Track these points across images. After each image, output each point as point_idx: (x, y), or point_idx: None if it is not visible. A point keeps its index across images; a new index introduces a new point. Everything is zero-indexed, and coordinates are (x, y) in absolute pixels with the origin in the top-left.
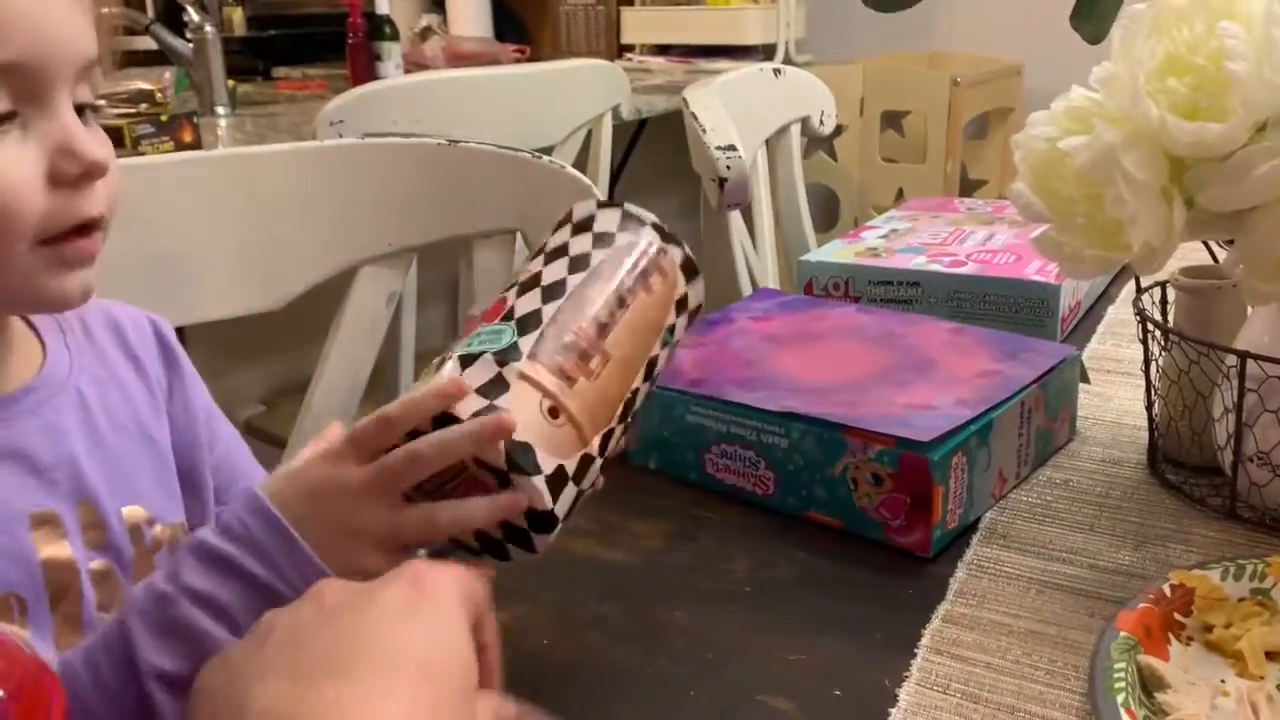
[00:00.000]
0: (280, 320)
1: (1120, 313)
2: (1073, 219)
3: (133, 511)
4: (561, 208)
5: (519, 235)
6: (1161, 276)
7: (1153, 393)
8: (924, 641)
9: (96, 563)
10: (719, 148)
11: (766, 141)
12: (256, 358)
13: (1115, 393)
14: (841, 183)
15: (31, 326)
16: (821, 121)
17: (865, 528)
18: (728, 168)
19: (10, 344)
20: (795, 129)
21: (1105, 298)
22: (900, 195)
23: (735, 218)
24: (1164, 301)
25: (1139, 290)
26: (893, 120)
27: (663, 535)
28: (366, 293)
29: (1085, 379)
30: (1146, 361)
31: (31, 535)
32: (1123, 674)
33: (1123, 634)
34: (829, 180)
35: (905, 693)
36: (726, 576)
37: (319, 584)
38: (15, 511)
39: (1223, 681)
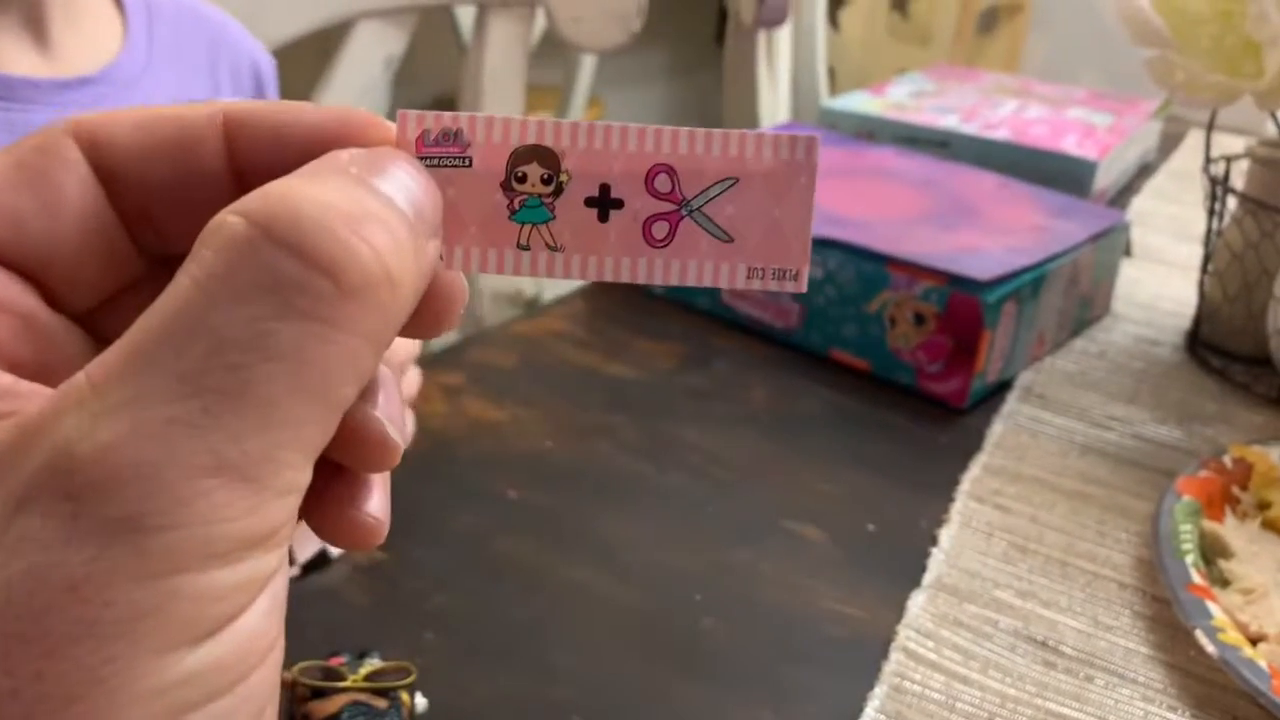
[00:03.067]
0: None
1: (1146, 203)
2: (1196, 40)
3: None
4: None
5: (539, 10)
6: (1230, 152)
7: (1208, 269)
8: (963, 488)
9: None
10: None
11: None
12: None
13: (1146, 277)
14: (841, 57)
15: (120, 7)
16: None
17: (895, 372)
18: None
19: (79, 17)
20: None
21: (1129, 189)
22: None
23: (759, 51)
24: (1225, 178)
25: (1208, 159)
26: (900, 1)
27: (673, 357)
28: (363, 50)
29: (1129, 252)
30: (1208, 234)
31: None
32: (1189, 536)
33: (1186, 498)
34: (829, 53)
35: (946, 535)
36: (744, 403)
37: None
38: None
39: None
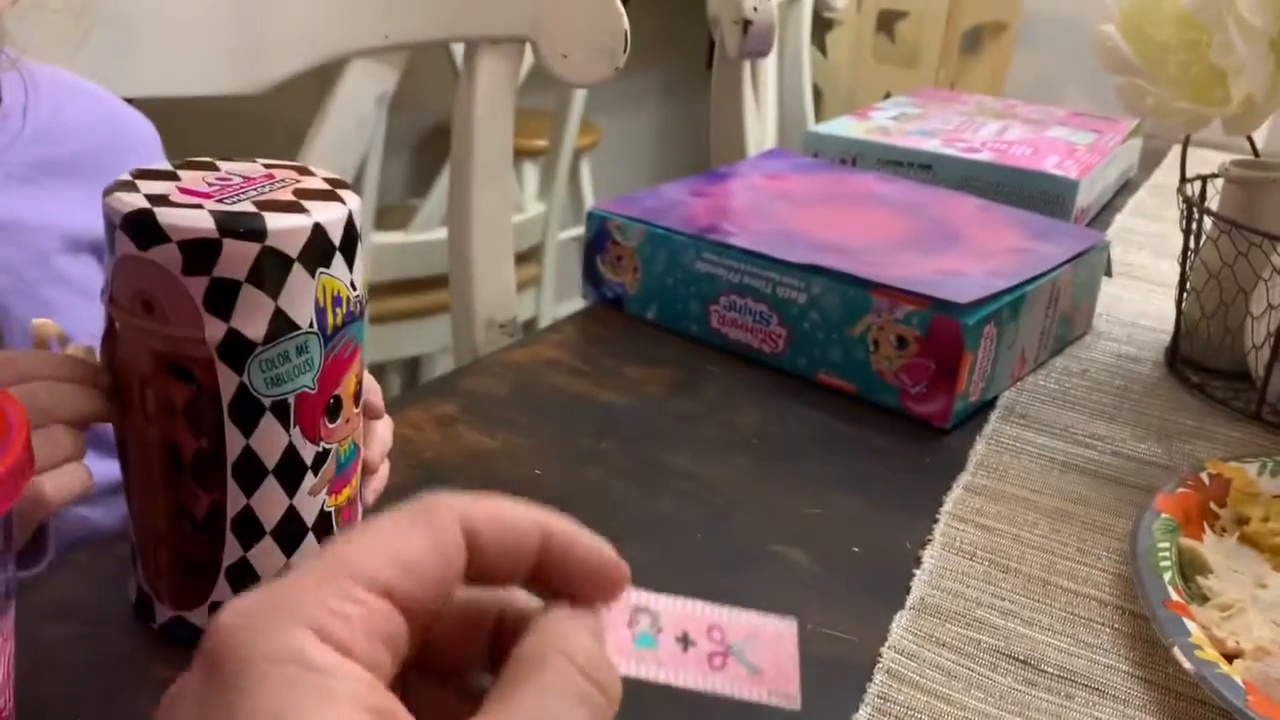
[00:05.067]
0: (257, 111)
1: (1128, 220)
2: (1165, 68)
3: (44, 324)
4: (578, 19)
5: (528, 46)
6: (1205, 170)
7: (1185, 287)
8: (946, 508)
9: None
10: None
11: (777, 8)
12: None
13: (1128, 295)
14: (829, 80)
15: None
16: None
17: (880, 393)
18: (754, 9)
19: None
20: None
21: (1111, 207)
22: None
23: (745, 79)
24: (1202, 197)
25: (1183, 179)
26: (886, 24)
27: (663, 383)
28: (356, 88)
29: (1109, 272)
30: (1185, 253)
31: None
32: (1167, 553)
33: (1164, 515)
34: (816, 76)
35: (929, 556)
36: (733, 428)
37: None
38: None
39: (1263, 586)
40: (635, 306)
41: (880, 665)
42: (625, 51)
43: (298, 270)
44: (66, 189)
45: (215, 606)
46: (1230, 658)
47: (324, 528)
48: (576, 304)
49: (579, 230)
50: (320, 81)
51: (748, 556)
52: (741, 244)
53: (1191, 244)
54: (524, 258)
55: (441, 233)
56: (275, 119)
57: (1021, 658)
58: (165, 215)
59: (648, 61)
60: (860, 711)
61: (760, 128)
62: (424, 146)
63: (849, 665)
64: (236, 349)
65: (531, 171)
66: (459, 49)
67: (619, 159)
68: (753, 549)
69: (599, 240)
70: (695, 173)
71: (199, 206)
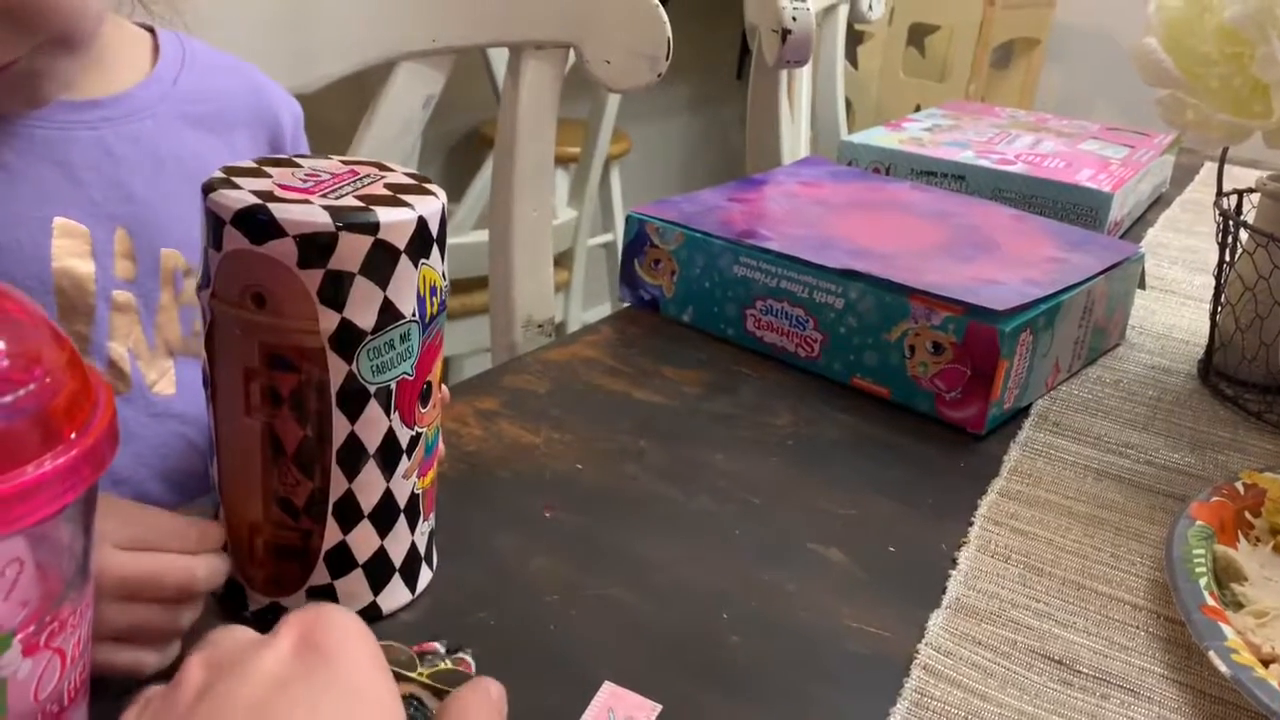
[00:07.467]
0: (308, 109)
1: (1160, 235)
2: (1206, 81)
3: (172, 254)
4: (622, 26)
5: (571, 51)
6: (1237, 186)
7: (1220, 300)
8: (981, 512)
9: (120, 293)
10: None
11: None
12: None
13: (1159, 308)
14: (859, 92)
15: (155, 38)
16: (870, 5)
17: (915, 399)
18: (794, 19)
19: (102, 50)
20: (843, 10)
21: (1143, 221)
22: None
23: (781, 88)
24: (1238, 210)
25: (1220, 192)
26: (917, 37)
27: (699, 384)
28: (403, 90)
29: (1143, 284)
30: (1220, 266)
31: (52, 243)
32: (1202, 559)
33: (1199, 522)
34: (847, 89)
35: (964, 557)
36: (769, 429)
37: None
38: (39, 215)
39: None
40: (672, 309)
41: (917, 662)
42: (668, 58)
43: (404, 261)
44: (208, 139)
45: (312, 591)
46: (1266, 663)
47: (413, 508)
48: (604, 310)
49: (608, 237)
50: (356, 86)
51: (785, 553)
52: (779, 249)
53: (1227, 257)
54: (554, 263)
55: (473, 237)
56: (312, 122)
57: (1057, 658)
58: (279, 210)
59: (678, 73)
60: (898, 705)
61: (794, 137)
62: (456, 153)
63: (886, 661)
64: (347, 339)
65: (563, 178)
66: (496, 58)
67: (648, 168)
68: (790, 547)
69: (637, 243)
70: (722, 182)
71: (307, 201)
